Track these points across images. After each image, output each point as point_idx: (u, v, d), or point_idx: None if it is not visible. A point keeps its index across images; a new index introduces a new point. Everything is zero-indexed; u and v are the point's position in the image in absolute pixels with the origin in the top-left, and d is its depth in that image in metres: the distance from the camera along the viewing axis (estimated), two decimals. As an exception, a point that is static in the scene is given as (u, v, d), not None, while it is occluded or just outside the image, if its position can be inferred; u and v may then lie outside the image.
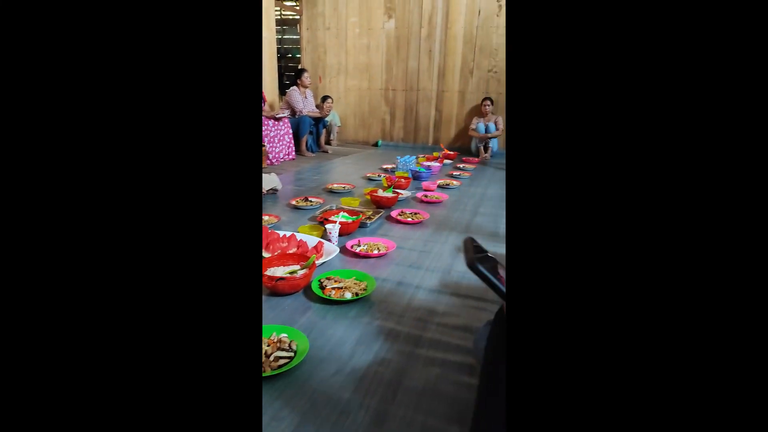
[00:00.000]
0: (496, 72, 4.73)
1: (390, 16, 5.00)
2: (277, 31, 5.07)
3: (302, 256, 1.37)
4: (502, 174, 3.54)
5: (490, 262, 0.36)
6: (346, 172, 3.42)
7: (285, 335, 0.99)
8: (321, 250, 1.49)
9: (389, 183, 2.48)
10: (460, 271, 1.46)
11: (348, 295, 1.20)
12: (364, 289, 1.24)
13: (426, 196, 2.50)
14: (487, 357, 0.47)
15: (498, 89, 4.75)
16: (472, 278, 1.35)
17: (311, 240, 1.56)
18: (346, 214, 1.85)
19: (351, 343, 1.02)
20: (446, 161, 3.83)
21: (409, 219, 1.99)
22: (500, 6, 4.53)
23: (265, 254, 1.46)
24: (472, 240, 0.38)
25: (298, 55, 5.68)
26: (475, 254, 0.35)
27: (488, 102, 4.52)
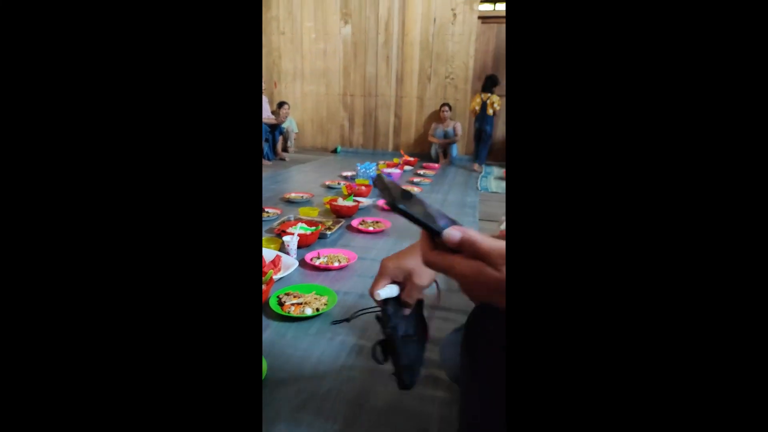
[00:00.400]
0: (453, 79, 4.83)
1: (346, 22, 4.98)
2: (230, 35, 4.92)
3: (259, 272, 1.31)
4: (462, 179, 3.61)
5: (416, 202, 0.35)
6: (304, 180, 3.35)
7: (241, 359, 0.93)
8: (279, 264, 1.43)
9: (349, 191, 2.45)
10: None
11: (308, 311, 1.16)
12: (325, 304, 1.20)
13: (387, 203, 2.49)
14: (463, 362, 0.46)
15: (455, 95, 4.84)
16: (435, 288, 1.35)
17: (268, 254, 1.49)
18: (304, 224, 1.79)
19: (312, 363, 0.98)
20: (407, 167, 3.85)
21: (371, 228, 1.97)
22: (455, 15, 4.64)
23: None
24: (384, 179, 0.35)
25: (252, 60, 5.53)
26: (394, 193, 0.32)
27: (446, 107, 4.59)
